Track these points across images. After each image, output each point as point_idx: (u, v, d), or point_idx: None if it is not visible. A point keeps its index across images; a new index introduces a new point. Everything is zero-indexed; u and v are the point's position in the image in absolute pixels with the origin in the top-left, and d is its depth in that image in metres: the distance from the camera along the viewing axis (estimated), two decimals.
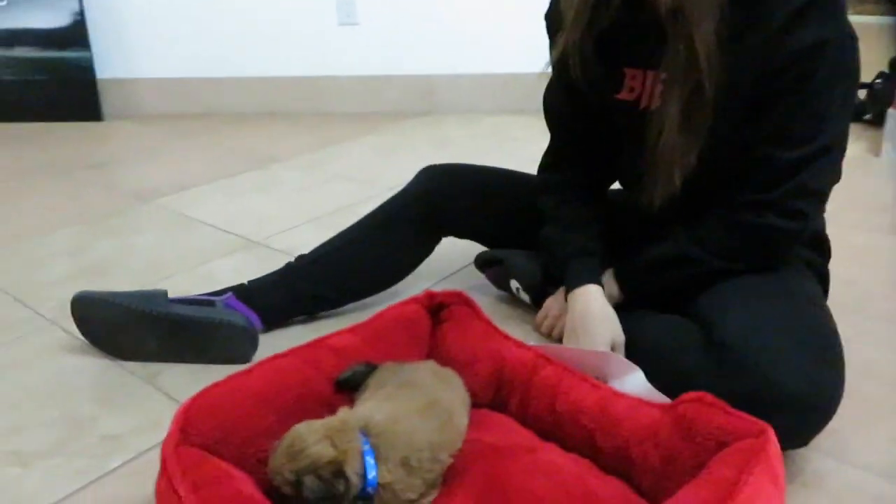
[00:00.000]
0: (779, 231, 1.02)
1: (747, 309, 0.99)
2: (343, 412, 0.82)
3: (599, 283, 1.17)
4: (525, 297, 1.37)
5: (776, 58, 0.94)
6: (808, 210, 1.02)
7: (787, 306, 1.00)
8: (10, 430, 1.09)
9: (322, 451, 0.75)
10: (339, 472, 0.75)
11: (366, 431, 0.79)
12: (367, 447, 0.78)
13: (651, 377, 0.98)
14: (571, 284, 1.19)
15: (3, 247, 1.77)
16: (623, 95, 1.10)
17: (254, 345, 1.25)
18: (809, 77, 0.94)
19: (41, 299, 1.49)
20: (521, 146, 2.35)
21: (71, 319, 1.25)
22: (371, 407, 0.85)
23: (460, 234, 1.43)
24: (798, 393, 0.87)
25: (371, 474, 0.76)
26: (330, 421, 0.80)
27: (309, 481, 0.74)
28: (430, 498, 0.82)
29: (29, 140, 2.73)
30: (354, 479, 0.75)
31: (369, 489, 0.77)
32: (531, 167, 1.34)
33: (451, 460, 0.84)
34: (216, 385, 0.90)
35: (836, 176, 1.02)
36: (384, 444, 0.79)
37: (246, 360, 1.22)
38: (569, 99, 1.18)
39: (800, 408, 0.88)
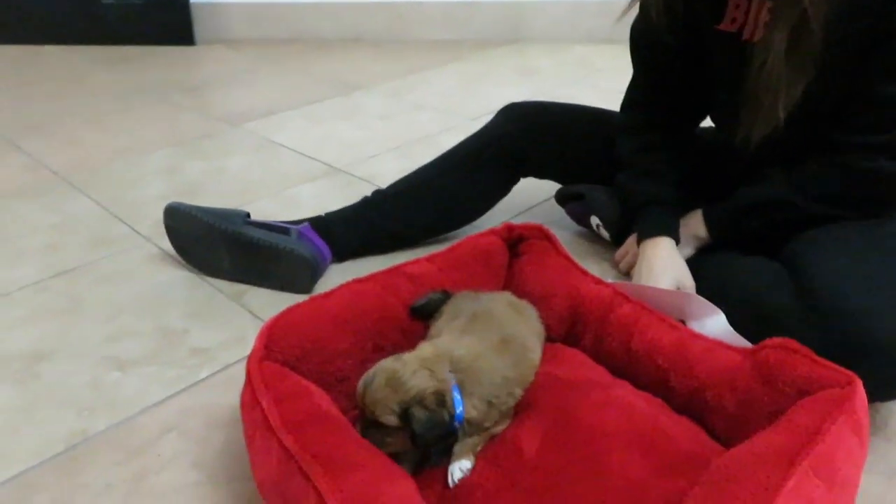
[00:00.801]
0: (890, 176, 0.96)
1: (842, 255, 0.94)
2: (426, 346, 0.83)
3: (670, 233, 1.14)
4: (605, 233, 1.34)
5: None
6: None
7: (885, 254, 0.95)
8: (110, 337, 1.17)
9: (425, 381, 0.76)
10: (442, 401, 0.76)
11: (449, 367, 0.80)
12: (453, 382, 0.79)
13: (733, 321, 0.95)
14: (642, 234, 1.17)
15: (102, 166, 1.86)
16: (724, 26, 1.03)
17: (314, 277, 1.26)
18: None
19: (138, 217, 1.57)
20: (609, 77, 2.26)
21: (165, 237, 1.32)
22: (449, 341, 0.85)
23: (540, 175, 1.41)
24: (890, 345, 0.83)
25: (458, 409, 0.77)
26: (420, 353, 0.80)
27: (417, 412, 0.74)
28: (503, 427, 0.83)
29: (126, 63, 2.82)
30: (452, 410, 0.76)
31: (457, 424, 0.77)
32: (616, 99, 1.29)
33: (523, 393, 0.85)
34: (298, 305, 0.93)
35: None
36: (468, 380, 0.79)
37: (304, 290, 1.24)
38: (659, 32, 1.12)
39: (891, 361, 0.84)
